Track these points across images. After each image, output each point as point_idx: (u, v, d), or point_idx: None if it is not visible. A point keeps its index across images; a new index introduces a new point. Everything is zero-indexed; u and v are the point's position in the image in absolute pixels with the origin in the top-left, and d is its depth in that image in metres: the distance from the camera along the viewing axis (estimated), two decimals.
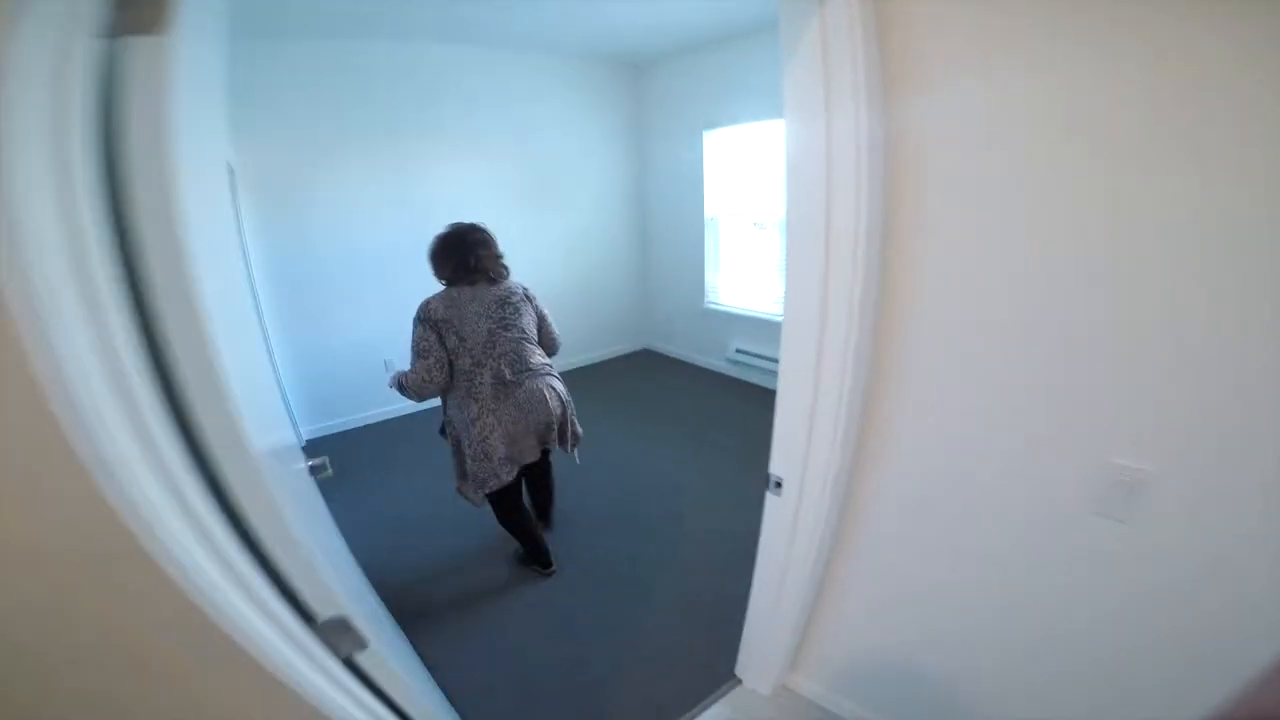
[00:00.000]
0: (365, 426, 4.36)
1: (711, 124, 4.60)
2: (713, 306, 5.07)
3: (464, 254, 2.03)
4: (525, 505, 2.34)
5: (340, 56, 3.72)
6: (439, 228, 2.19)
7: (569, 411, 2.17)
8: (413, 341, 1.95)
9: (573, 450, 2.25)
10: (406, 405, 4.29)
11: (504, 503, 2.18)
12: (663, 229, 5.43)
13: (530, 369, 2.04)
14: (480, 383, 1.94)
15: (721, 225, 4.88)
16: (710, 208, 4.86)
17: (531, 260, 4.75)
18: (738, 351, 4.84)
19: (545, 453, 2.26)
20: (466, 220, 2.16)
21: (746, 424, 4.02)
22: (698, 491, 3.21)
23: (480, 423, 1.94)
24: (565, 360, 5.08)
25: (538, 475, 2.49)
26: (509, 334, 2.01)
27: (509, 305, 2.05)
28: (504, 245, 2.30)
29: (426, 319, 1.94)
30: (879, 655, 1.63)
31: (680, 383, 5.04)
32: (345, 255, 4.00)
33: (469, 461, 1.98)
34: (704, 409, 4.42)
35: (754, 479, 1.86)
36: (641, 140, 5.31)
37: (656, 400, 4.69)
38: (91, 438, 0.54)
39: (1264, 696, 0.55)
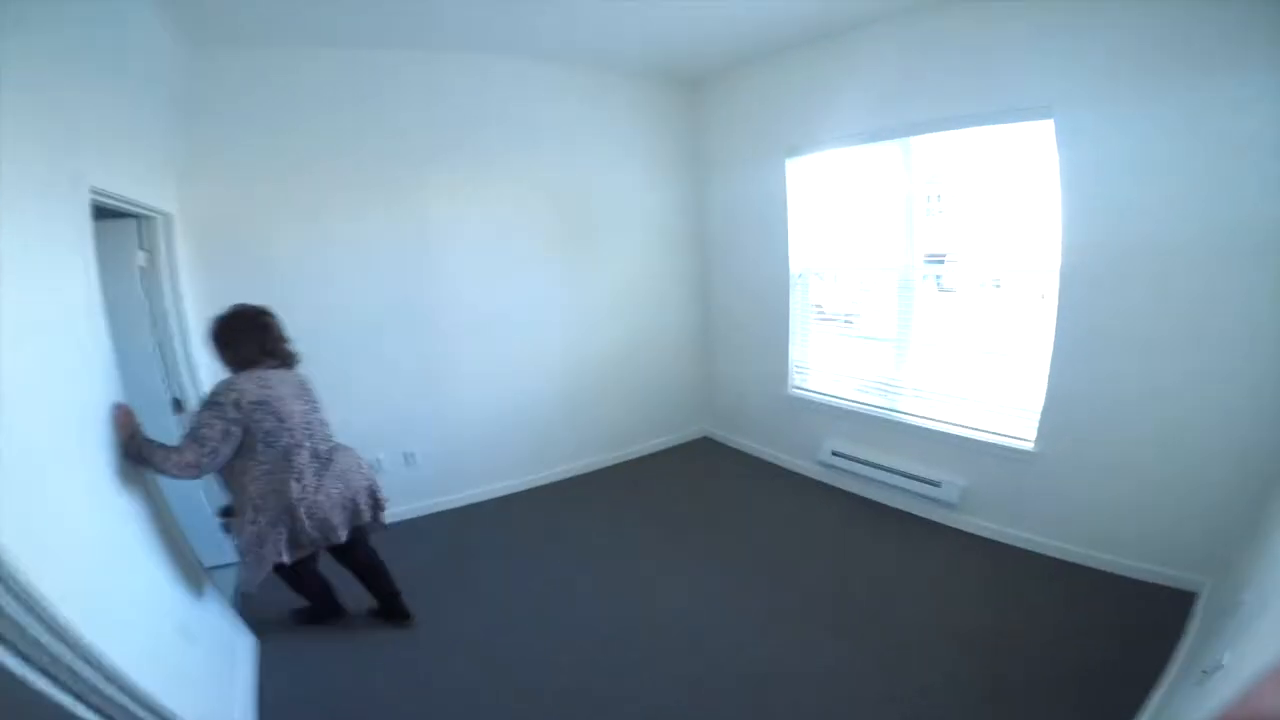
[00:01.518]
0: None
1: (796, 149, 3.49)
2: (801, 393, 3.80)
3: (264, 336, 2.07)
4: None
5: (319, 65, 2.93)
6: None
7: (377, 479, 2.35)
8: (197, 421, 1.87)
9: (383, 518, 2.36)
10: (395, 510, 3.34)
11: (307, 564, 2.26)
12: (730, 285, 4.27)
13: (333, 445, 2.21)
14: (300, 461, 2.03)
15: (813, 283, 3.67)
16: (797, 259, 3.68)
17: (564, 320, 3.81)
18: (835, 455, 3.55)
19: (359, 532, 2.32)
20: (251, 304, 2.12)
21: (859, 558, 2.83)
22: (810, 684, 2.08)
23: (308, 502, 2.04)
24: (600, 453, 4.17)
25: (362, 559, 2.47)
26: (319, 414, 2.18)
27: (310, 389, 2.21)
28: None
29: (232, 403, 1.89)
30: None
31: (752, 487, 3.79)
32: (320, 322, 3.04)
33: (297, 529, 2.03)
34: (793, 532, 3.18)
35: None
36: (702, 173, 4.24)
37: (722, 512, 3.46)
38: None
39: (1263, 697, 0.55)
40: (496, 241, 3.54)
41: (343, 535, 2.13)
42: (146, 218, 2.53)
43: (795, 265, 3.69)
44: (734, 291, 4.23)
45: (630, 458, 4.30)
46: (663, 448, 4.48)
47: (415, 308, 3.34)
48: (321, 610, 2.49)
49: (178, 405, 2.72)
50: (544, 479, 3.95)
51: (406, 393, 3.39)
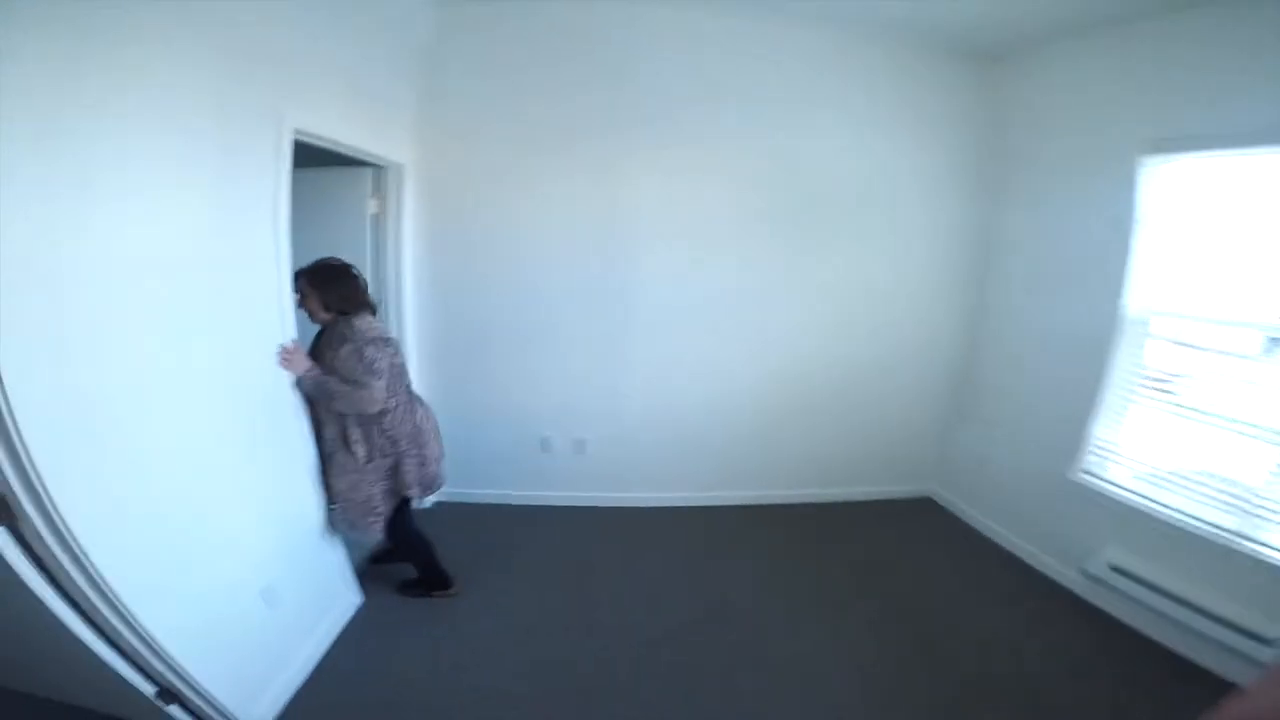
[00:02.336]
0: (497, 506, 3.33)
1: (1161, 147, 2.37)
2: (1090, 481, 2.67)
3: (359, 284, 2.09)
4: None
5: (552, 16, 2.75)
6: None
7: None
8: (356, 359, 1.93)
9: None
10: (553, 494, 3.33)
11: (410, 520, 2.32)
12: (1017, 322, 3.15)
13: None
14: (415, 396, 2.24)
15: (1155, 337, 2.50)
16: (1138, 299, 2.52)
17: (774, 326, 3.22)
18: (1114, 570, 2.44)
19: None
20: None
21: None
22: None
23: (426, 430, 2.20)
24: (790, 487, 3.53)
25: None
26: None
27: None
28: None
29: (379, 338, 2.00)
30: None
31: (977, 576, 2.81)
32: (516, 296, 3.06)
33: (420, 467, 2.17)
34: (1025, 657, 2.24)
35: None
36: (999, 171, 3.17)
37: (924, 600, 2.59)
38: None
39: (1262, 697, 0.57)
40: (702, 228, 3.07)
41: (444, 478, 2.31)
42: (380, 167, 2.67)
43: (1133, 308, 2.51)
44: (1021, 331, 3.11)
45: (826, 500, 3.55)
46: (870, 498, 3.61)
47: (603, 292, 3.08)
48: (432, 578, 2.42)
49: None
50: (720, 499, 3.46)
51: (585, 379, 3.19)
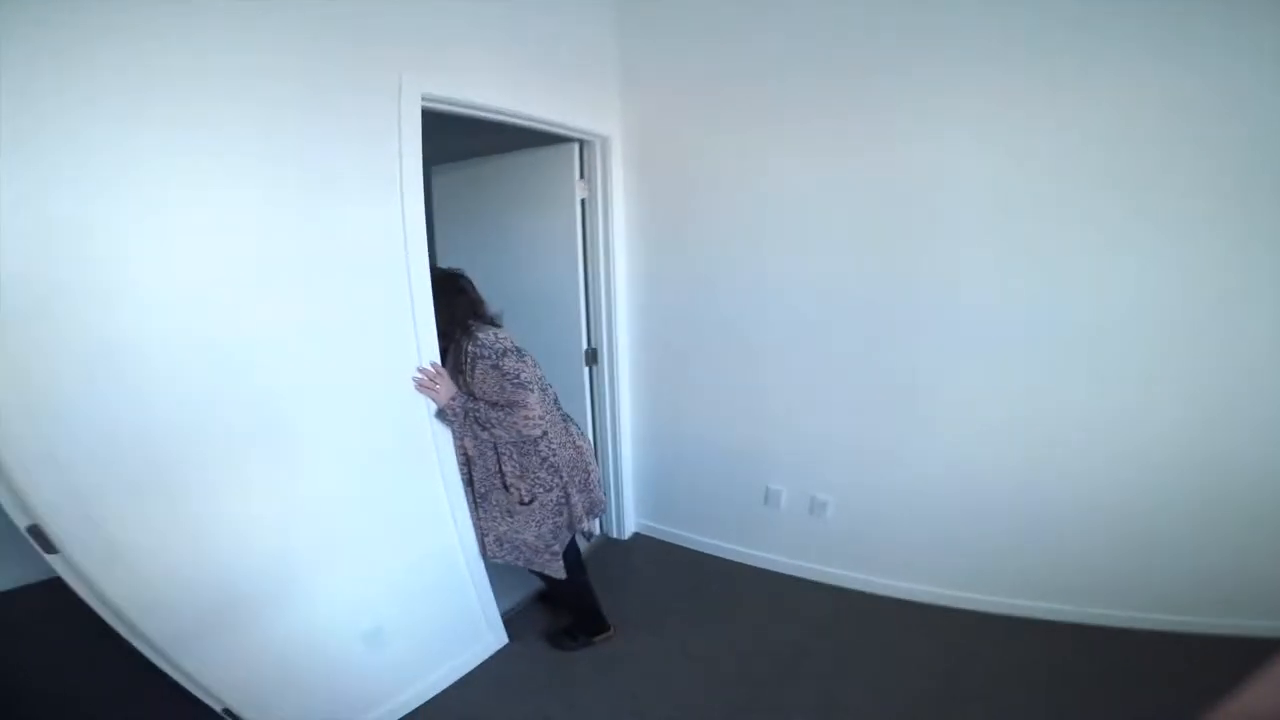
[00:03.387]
0: (701, 554, 2.70)
1: None
2: None
3: (466, 296, 1.77)
4: None
5: None
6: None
7: None
8: (495, 377, 1.61)
9: None
10: (771, 557, 2.54)
11: (571, 558, 1.96)
12: None
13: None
14: (565, 412, 1.91)
15: None
16: None
17: (1156, 370, 1.77)
18: None
19: None
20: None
21: None
22: None
23: (587, 448, 1.91)
24: (1115, 605, 2.05)
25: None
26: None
27: None
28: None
29: (510, 349, 1.64)
30: None
31: None
32: (753, 304, 2.24)
33: (586, 494, 1.88)
34: None
35: None
36: None
37: None
38: None
39: (1261, 696, 0.56)
40: (1044, 207, 1.73)
41: (606, 499, 2.03)
42: (585, 142, 2.26)
43: None
44: None
45: (1162, 627, 2.00)
46: (1238, 633, 1.88)
47: (877, 305, 2.03)
48: (587, 622, 2.10)
49: (592, 357, 2.51)
50: (1013, 608, 2.15)
51: (838, 425, 2.23)
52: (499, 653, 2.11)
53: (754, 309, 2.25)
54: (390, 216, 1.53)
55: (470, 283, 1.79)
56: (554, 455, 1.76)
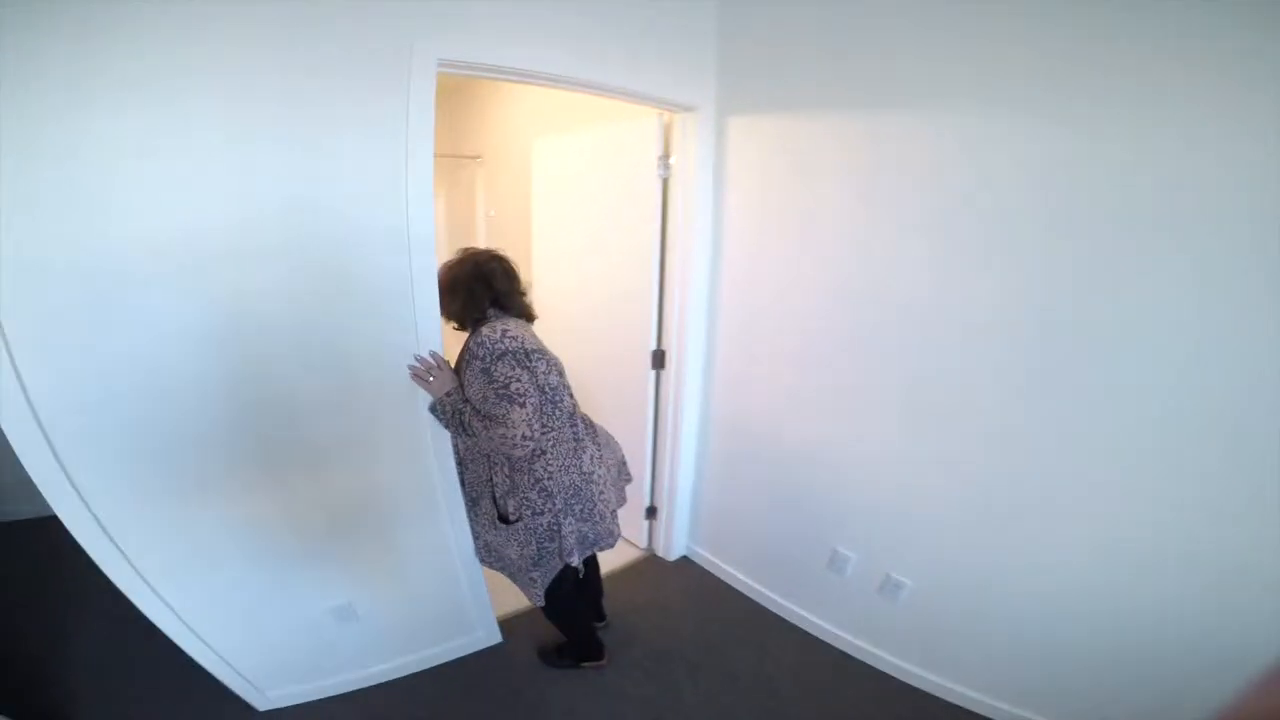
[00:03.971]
0: (750, 600, 2.29)
1: None
2: None
3: (489, 285, 1.53)
4: None
5: None
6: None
7: None
8: (484, 382, 1.40)
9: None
10: (824, 626, 2.07)
11: (566, 584, 1.72)
12: None
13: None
14: (580, 429, 1.59)
15: None
16: None
17: None
18: None
19: None
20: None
21: None
22: None
23: (597, 475, 1.61)
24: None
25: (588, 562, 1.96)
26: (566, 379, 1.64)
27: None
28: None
29: (510, 351, 1.38)
30: None
31: None
32: (849, 320, 1.74)
33: (581, 525, 1.58)
34: None
35: None
36: None
37: None
38: None
39: (1263, 697, 0.56)
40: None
41: (618, 528, 1.70)
42: (670, 114, 1.96)
43: None
44: None
45: None
46: None
47: (1031, 355, 1.42)
48: (580, 647, 1.95)
49: (660, 360, 2.26)
50: None
51: (935, 492, 1.66)
52: (486, 650, 2.03)
53: (860, 337, 1.75)
54: (394, 183, 1.41)
55: (504, 267, 1.57)
56: (549, 479, 1.52)
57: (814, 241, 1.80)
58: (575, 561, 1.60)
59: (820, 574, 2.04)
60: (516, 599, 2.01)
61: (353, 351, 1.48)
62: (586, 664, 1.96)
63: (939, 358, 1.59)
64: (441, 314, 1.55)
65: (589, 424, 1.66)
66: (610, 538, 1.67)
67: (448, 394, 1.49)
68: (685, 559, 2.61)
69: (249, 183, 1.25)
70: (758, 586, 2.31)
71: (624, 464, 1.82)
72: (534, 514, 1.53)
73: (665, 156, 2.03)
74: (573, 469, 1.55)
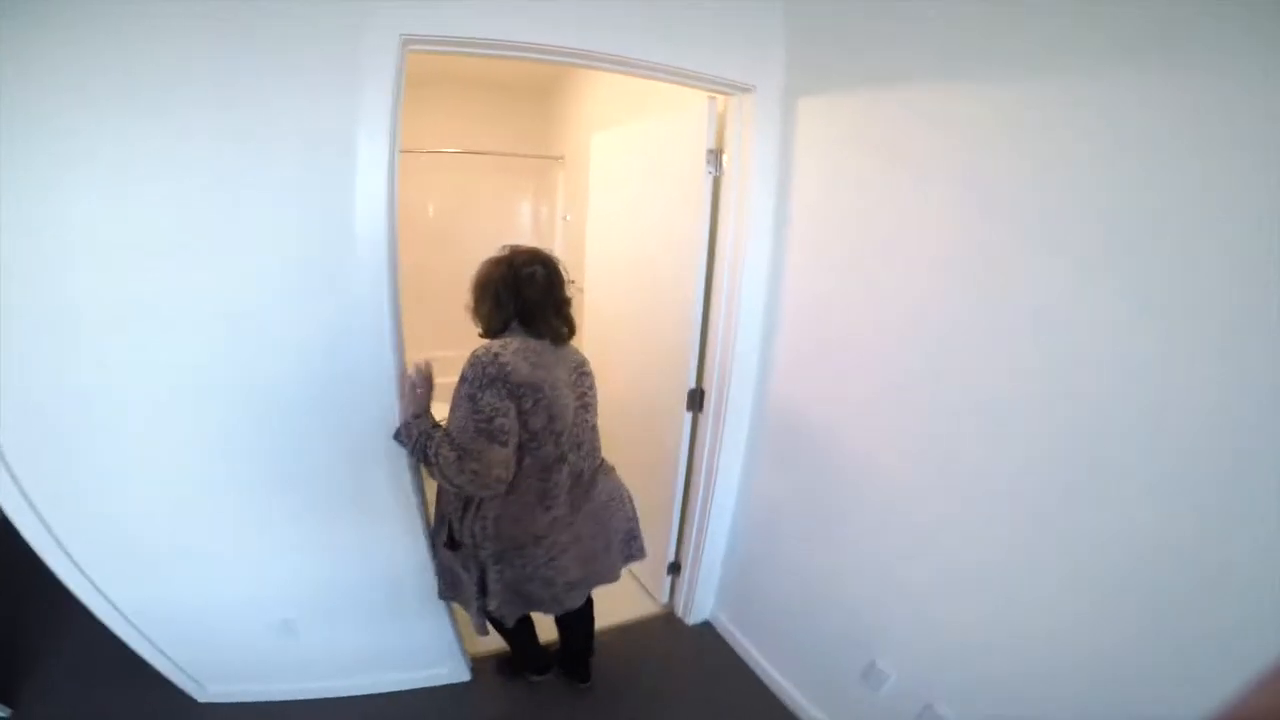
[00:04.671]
0: (764, 686, 1.78)
1: None
2: None
3: (547, 293, 1.28)
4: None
5: None
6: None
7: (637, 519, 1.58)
8: (468, 409, 1.16)
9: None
10: None
11: (523, 624, 1.65)
12: None
13: (599, 464, 1.45)
14: (557, 483, 1.30)
15: None
16: None
17: None
18: None
19: None
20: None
21: None
22: None
23: (550, 540, 1.33)
24: None
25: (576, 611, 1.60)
26: (588, 417, 1.38)
27: (587, 377, 1.39)
28: None
29: (499, 378, 1.16)
30: None
31: None
32: (931, 370, 1.18)
33: (515, 582, 1.36)
34: None
35: None
36: None
37: None
38: None
39: (1262, 697, 0.55)
40: None
41: (579, 600, 1.48)
42: (721, 97, 1.54)
43: None
44: None
45: None
46: None
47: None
48: (522, 659, 1.85)
49: (696, 400, 1.83)
50: None
51: (999, 618, 1.12)
52: (446, 687, 1.84)
53: (973, 395, 1.20)
54: (356, 175, 1.18)
55: (544, 273, 1.28)
56: (492, 521, 1.28)
57: (911, 264, 1.29)
58: (499, 614, 1.39)
59: (852, 684, 1.56)
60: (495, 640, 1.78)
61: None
62: (533, 676, 1.86)
63: (1093, 427, 0.99)
64: (471, 316, 1.34)
65: (583, 485, 1.38)
66: (557, 605, 1.44)
67: (416, 417, 1.30)
68: (707, 624, 2.20)
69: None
70: (779, 678, 1.85)
71: (633, 536, 1.56)
72: (473, 546, 1.32)
73: (717, 152, 1.62)
74: (523, 522, 1.30)
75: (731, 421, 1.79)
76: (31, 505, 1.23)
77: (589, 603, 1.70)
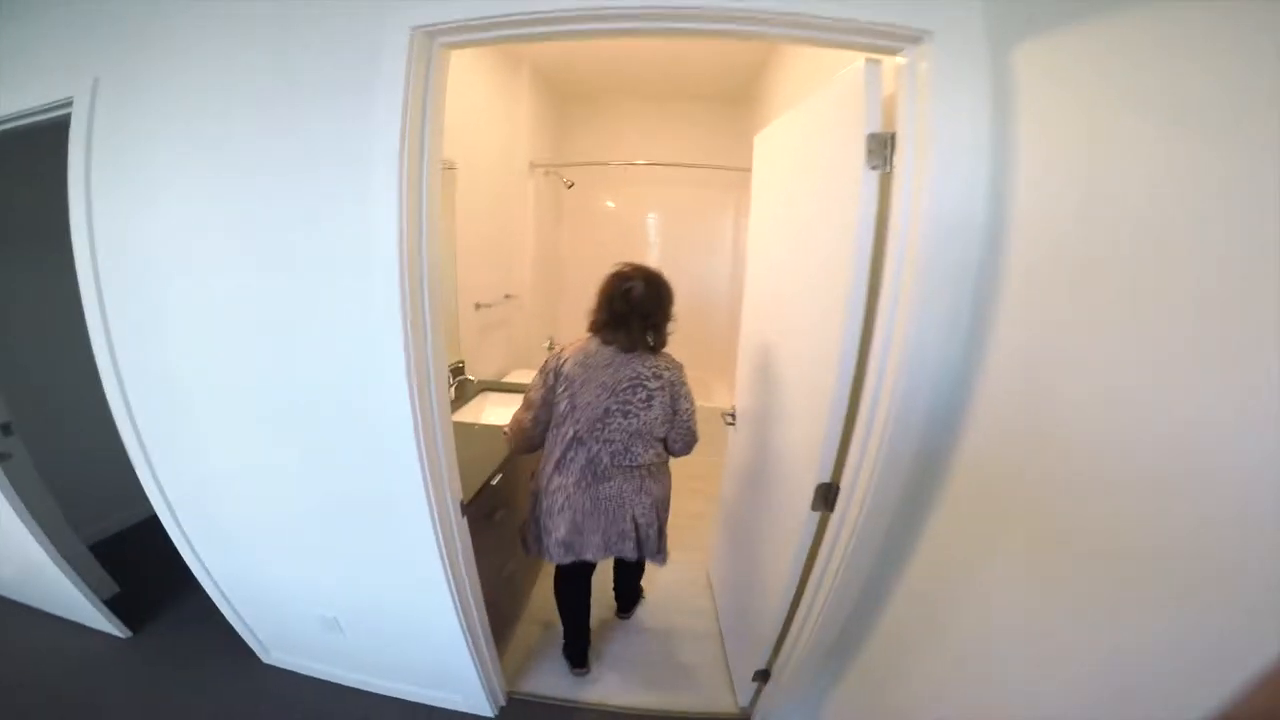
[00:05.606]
0: None
1: None
2: None
3: (626, 311, 1.47)
4: (588, 597, 1.93)
5: None
6: None
7: (659, 522, 1.69)
8: (535, 379, 1.59)
9: (659, 559, 1.73)
10: None
11: (565, 577, 1.88)
12: None
13: (631, 465, 1.58)
14: (571, 459, 1.56)
15: None
16: None
17: None
18: None
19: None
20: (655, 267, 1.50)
21: None
22: None
23: (552, 497, 1.61)
24: None
25: (625, 566, 2.08)
26: (626, 422, 1.52)
27: (642, 390, 1.51)
28: None
29: (553, 369, 1.54)
30: None
31: None
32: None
33: (536, 519, 1.68)
34: None
35: None
36: None
37: None
38: None
39: (1263, 697, 0.54)
40: None
41: (568, 557, 1.64)
42: (896, 51, 0.99)
43: None
44: None
45: None
46: None
47: None
48: (567, 641, 1.97)
49: (827, 497, 1.24)
50: None
51: None
52: (475, 717, 1.78)
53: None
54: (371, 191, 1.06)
55: (636, 292, 1.45)
56: (543, 489, 1.62)
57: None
58: (534, 543, 1.70)
59: None
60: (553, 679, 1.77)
61: None
62: (575, 670, 1.96)
63: None
64: None
65: (596, 472, 1.55)
66: (560, 552, 1.64)
67: None
68: None
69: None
70: None
71: (625, 538, 1.62)
72: (530, 503, 1.70)
73: (884, 139, 1.02)
74: (541, 476, 1.62)
75: (868, 530, 1.17)
76: (154, 475, 1.45)
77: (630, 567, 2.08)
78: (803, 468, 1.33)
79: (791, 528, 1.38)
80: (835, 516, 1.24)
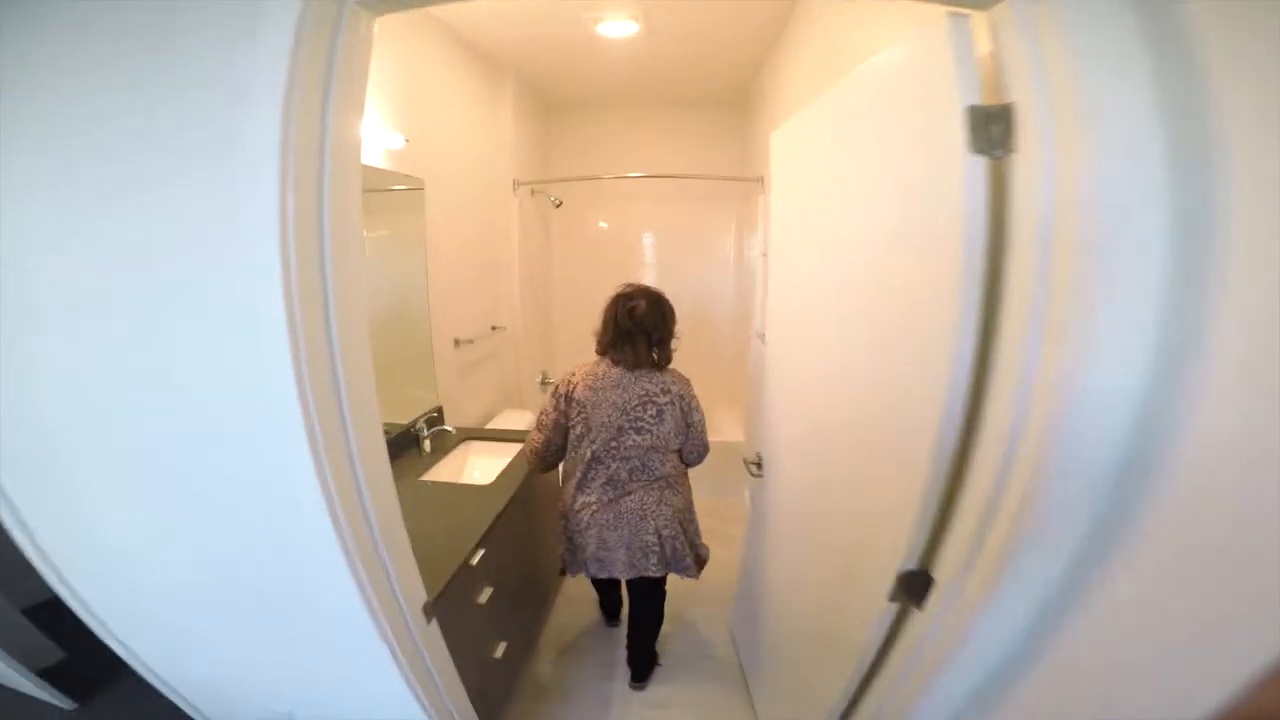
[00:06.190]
0: None
1: None
2: None
3: (631, 328, 1.55)
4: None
5: None
6: None
7: (684, 534, 1.72)
8: (547, 403, 1.67)
9: (696, 573, 1.78)
10: None
11: (601, 588, 2.19)
12: None
13: (648, 479, 1.64)
14: (592, 478, 1.65)
15: None
16: None
17: None
18: None
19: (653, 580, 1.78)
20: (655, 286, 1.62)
21: None
22: None
23: (578, 515, 1.68)
24: None
25: (643, 594, 1.91)
26: (639, 438, 1.59)
27: (652, 406, 1.58)
28: None
29: (565, 394, 1.61)
30: None
31: None
32: None
33: (565, 535, 1.77)
34: None
35: None
36: None
37: None
38: None
39: (1263, 697, 0.53)
40: None
41: (602, 572, 1.72)
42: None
43: None
44: None
45: None
46: None
47: None
48: (605, 606, 2.29)
49: (915, 587, 0.92)
50: None
51: None
52: None
53: None
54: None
55: (639, 312, 1.53)
56: (569, 508, 1.69)
57: None
58: (568, 560, 1.77)
59: None
60: None
61: None
62: (608, 622, 2.28)
63: None
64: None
65: (617, 488, 1.62)
66: (584, 570, 1.74)
67: None
68: None
69: None
70: None
71: (649, 551, 1.65)
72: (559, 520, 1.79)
73: (997, 112, 0.74)
74: (565, 496, 1.71)
75: (981, 637, 0.87)
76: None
77: (647, 611, 1.92)
78: (871, 542, 1.03)
79: (857, 618, 1.07)
80: (927, 618, 0.93)
